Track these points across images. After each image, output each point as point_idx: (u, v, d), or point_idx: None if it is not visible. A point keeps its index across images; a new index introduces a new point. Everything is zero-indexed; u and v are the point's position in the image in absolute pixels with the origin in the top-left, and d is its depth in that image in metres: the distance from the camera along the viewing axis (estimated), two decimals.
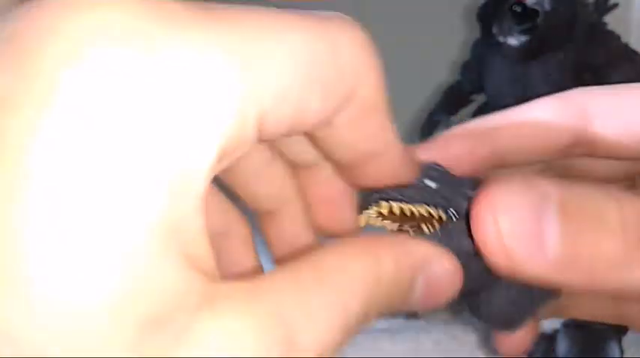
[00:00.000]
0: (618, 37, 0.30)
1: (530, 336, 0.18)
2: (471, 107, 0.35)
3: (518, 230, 0.13)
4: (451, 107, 0.34)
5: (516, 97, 0.29)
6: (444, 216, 0.15)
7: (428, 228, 0.15)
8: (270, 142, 0.16)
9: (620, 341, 0.28)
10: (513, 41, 0.29)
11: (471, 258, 0.14)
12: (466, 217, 0.14)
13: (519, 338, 0.18)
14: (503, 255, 0.13)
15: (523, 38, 0.29)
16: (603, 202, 0.13)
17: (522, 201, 0.13)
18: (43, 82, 0.10)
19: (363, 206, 0.16)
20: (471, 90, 0.33)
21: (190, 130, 0.10)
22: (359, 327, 0.12)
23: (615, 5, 0.31)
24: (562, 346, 0.28)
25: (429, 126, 0.34)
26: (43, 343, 0.09)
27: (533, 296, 0.16)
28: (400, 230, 0.16)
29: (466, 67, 0.33)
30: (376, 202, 0.15)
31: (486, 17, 0.30)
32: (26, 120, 0.09)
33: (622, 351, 0.28)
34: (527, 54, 0.29)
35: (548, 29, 0.28)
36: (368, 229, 0.15)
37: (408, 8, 0.52)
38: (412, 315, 0.34)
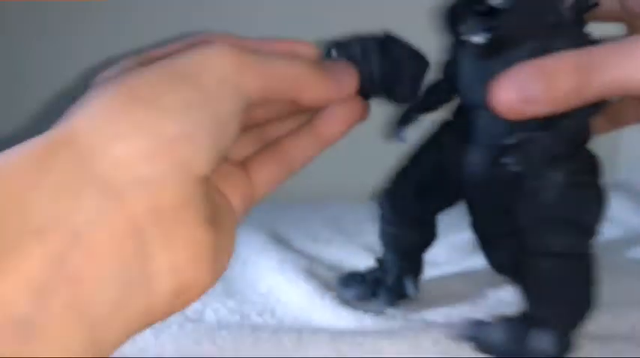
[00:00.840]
0: (585, 35, 0.30)
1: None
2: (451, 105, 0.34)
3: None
4: (429, 105, 0.34)
5: (483, 94, 0.30)
6: None
7: None
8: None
9: (562, 334, 0.28)
10: (477, 39, 0.29)
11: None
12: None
13: None
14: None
15: (487, 36, 0.29)
16: None
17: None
18: None
19: None
20: (450, 89, 0.33)
21: None
22: None
23: (595, 4, 0.30)
24: (494, 335, 0.28)
25: (403, 121, 0.34)
26: None
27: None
28: None
29: (445, 66, 0.33)
30: None
31: (453, 16, 0.30)
32: None
33: (567, 344, 0.28)
34: (490, 51, 0.29)
35: (510, 26, 0.28)
36: None
37: (401, 9, 0.52)
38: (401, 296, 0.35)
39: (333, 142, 0.27)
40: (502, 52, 0.29)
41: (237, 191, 0.24)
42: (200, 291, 0.20)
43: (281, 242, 0.47)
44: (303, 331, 0.30)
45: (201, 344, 0.29)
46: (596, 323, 0.32)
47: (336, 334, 0.29)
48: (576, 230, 0.28)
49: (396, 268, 0.36)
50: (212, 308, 0.35)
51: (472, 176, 0.31)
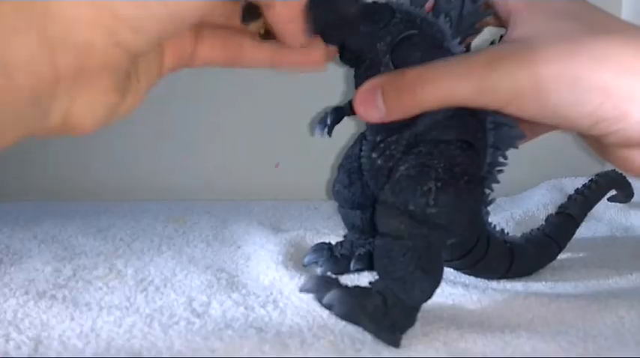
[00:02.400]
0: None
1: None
2: None
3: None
4: (348, 112, 0.37)
5: None
6: None
7: None
8: None
9: (393, 305, 0.29)
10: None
11: None
12: None
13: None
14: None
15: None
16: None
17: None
18: None
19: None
20: None
21: None
22: None
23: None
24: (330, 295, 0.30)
25: (323, 120, 0.37)
26: None
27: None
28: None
29: None
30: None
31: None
32: None
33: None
34: (344, 62, 0.33)
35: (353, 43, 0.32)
36: None
37: None
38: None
39: (280, 70, 0.30)
40: (354, 64, 0.33)
41: (176, 50, 0.27)
42: (79, 133, 0.23)
43: (283, 238, 0.47)
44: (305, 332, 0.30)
45: (209, 339, 0.29)
46: (582, 317, 0.32)
47: (337, 338, 0.29)
48: (406, 215, 0.29)
49: (349, 243, 0.41)
50: (218, 300, 0.34)
51: (364, 165, 0.35)
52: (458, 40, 0.31)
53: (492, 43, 0.32)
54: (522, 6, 0.29)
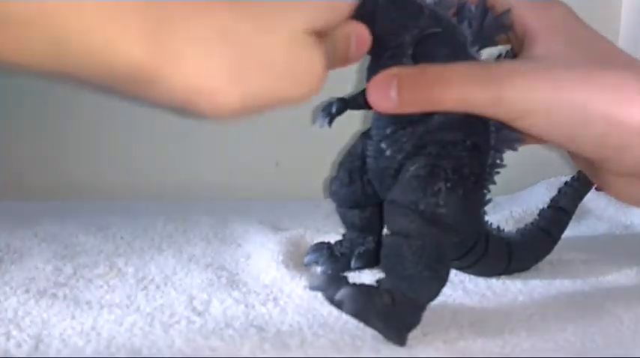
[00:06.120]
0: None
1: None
2: None
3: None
4: (353, 106, 0.37)
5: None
6: None
7: None
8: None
9: (400, 303, 0.29)
10: None
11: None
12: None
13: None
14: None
15: None
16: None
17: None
18: None
19: None
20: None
21: None
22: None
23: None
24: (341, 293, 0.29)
25: (326, 110, 0.36)
26: None
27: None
28: None
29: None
30: None
31: None
32: None
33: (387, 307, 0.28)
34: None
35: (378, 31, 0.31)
36: None
37: None
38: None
39: None
40: (375, 54, 0.32)
41: None
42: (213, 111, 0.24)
43: (283, 236, 0.47)
44: (305, 330, 0.30)
45: (210, 338, 0.29)
46: (580, 315, 0.33)
47: (337, 336, 0.29)
48: (416, 215, 0.29)
49: (348, 241, 0.41)
50: (218, 299, 0.34)
51: (370, 164, 0.35)
52: (476, 48, 0.32)
53: (500, 55, 0.32)
54: (543, 27, 0.30)
